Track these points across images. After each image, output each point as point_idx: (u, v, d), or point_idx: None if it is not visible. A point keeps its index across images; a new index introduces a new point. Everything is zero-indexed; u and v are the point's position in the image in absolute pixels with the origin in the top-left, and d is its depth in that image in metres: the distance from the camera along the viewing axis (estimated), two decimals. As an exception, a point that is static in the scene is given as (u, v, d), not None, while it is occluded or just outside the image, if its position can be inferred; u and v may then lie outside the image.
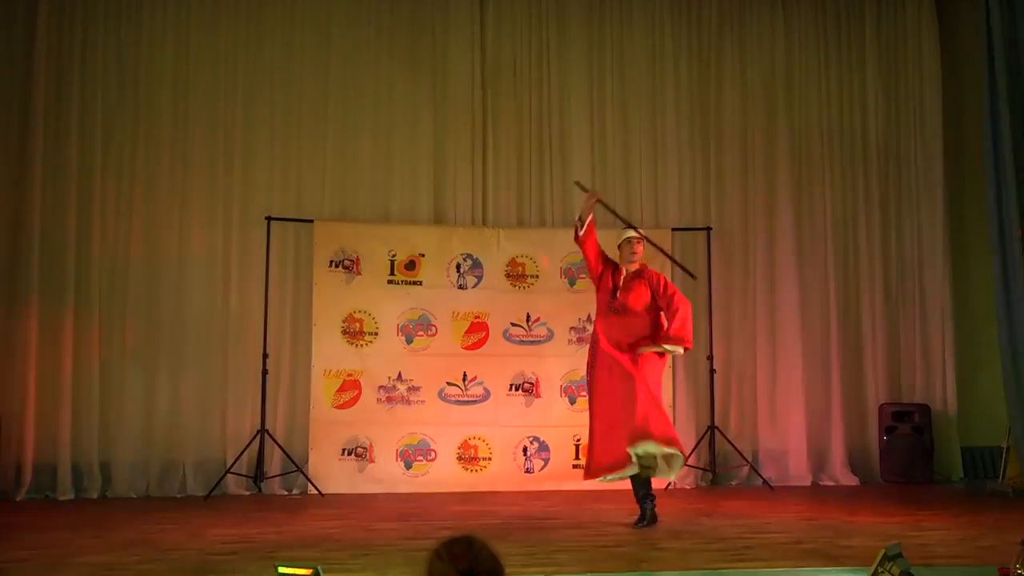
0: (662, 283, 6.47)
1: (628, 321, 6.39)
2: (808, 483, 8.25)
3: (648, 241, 6.59)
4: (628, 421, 6.09)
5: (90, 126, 7.81)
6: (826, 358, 8.53)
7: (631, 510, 6.50)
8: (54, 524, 6.41)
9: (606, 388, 6.30)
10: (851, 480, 8.30)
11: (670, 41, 8.69)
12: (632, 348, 6.29)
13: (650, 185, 8.57)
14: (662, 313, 6.39)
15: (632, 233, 6.54)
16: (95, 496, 7.44)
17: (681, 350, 6.42)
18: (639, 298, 6.42)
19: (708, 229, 8.42)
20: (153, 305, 7.81)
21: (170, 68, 8.01)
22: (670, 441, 6.08)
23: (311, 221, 7.99)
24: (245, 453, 7.66)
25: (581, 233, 6.49)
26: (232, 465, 7.62)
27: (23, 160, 7.63)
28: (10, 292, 7.55)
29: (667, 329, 6.32)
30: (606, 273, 6.58)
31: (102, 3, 7.90)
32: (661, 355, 6.36)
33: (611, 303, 6.48)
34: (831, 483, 8.28)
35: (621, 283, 6.53)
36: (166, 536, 5.81)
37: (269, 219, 7.87)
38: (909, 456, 8.22)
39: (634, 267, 6.51)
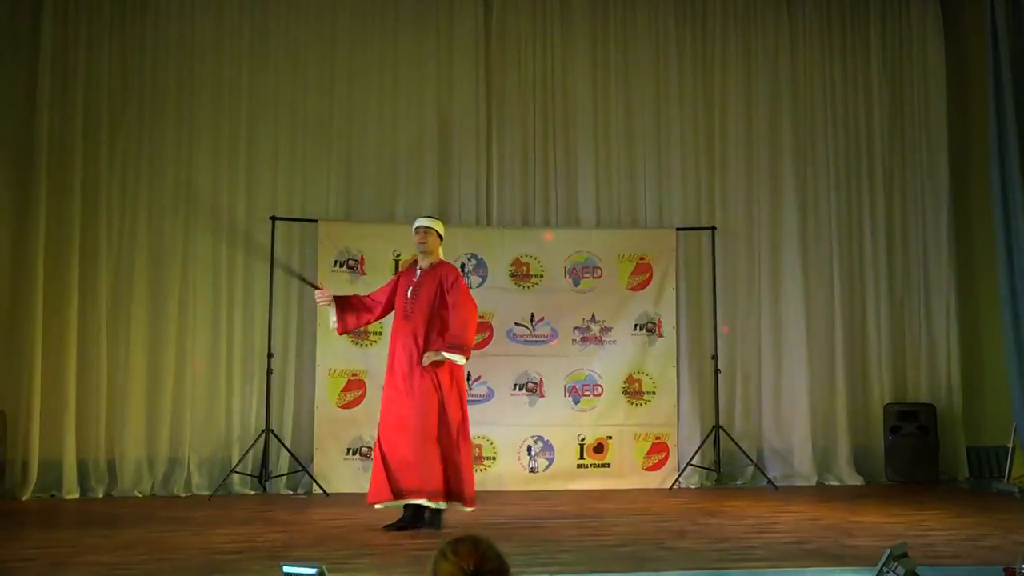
0: (451, 278, 5.97)
1: (416, 327, 5.95)
2: (813, 483, 8.23)
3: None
4: (401, 464, 5.84)
5: (95, 126, 7.82)
6: (831, 357, 8.51)
7: (636, 510, 6.51)
8: (60, 523, 6.43)
9: (389, 408, 5.99)
10: (856, 480, 8.28)
11: (674, 40, 8.67)
12: (419, 358, 5.87)
13: (654, 184, 8.56)
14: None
15: (418, 222, 6.15)
16: (100, 495, 7.45)
17: (462, 360, 5.92)
18: (426, 297, 5.95)
19: (712, 228, 8.42)
20: (159, 303, 7.82)
21: (174, 67, 8.02)
22: (423, 494, 5.80)
23: (315, 221, 7.99)
24: (250, 452, 7.68)
25: (337, 327, 6.24)
26: (237, 464, 7.63)
27: (28, 159, 7.64)
28: (15, 290, 7.57)
29: (447, 335, 5.88)
30: (401, 282, 6.15)
31: (107, 6, 7.91)
32: (443, 364, 5.88)
33: (404, 306, 6.02)
34: (836, 483, 8.26)
35: (415, 282, 6.07)
36: (171, 535, 5.81)
37: (274, 219, 7.87)
38: (914, 456, 8.20)
39: (426, 262, 6.08)
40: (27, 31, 7.76)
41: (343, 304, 6.26)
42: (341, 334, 6.53)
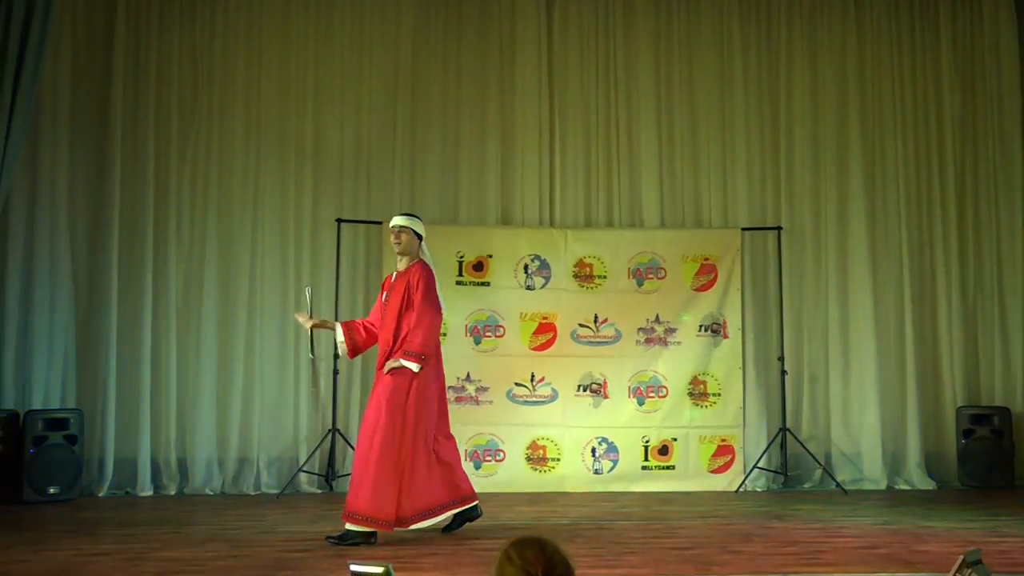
0: (415, 280, 5.65)
1: (386, 331, 5.72)
2: (883, 487, 8.06)
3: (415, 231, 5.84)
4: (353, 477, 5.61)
5: (165, 131, 8.00)
6: (901, 359, 8.34)
7: (701, 512, 6.44)
8: (134, 519, 6.60)
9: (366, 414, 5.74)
10: (928, 484, 8.10)
11: (738, 38, 8.57)
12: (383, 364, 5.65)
13: (719, 184, 8.47)
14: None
15: (392, 221, 5.89)
16: (173, 493, 7.63)
17: (416, 367, 5.55)
18: (395, 300, 5.69)
19: (778, 228, 8.31)
20: (228, 305, 7.98)
21: (242, 74, 8.17)
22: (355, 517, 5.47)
23: (380, 223, 8.08)
24: (317, 452, 7.79)
25: (348, 351, 5.94)
26: (304, 464, 7.74)
27: (102, 166, 7.85)
28: (91, 293, 7.78)
29: (408, 341, 5.58)
30: (384, 286, 5.96)
31: (177, 11, 8.09)
32: (404, 373, 5.56)
33: (381, 311, 5.83)
34: (907, 487, 8.09)
35: (391, 285, 5.83)
36: (241, 533, 5.93)
37: (339, 221, 7.97)
38: (988, 460, 7.98)
39: (403, 264, 5.81)
40: (101, 33, 7.94)
41: (349, 326, 6.02)
42: (352, 357, 6.31)
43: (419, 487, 5.55)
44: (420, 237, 5.87)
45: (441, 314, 5.83)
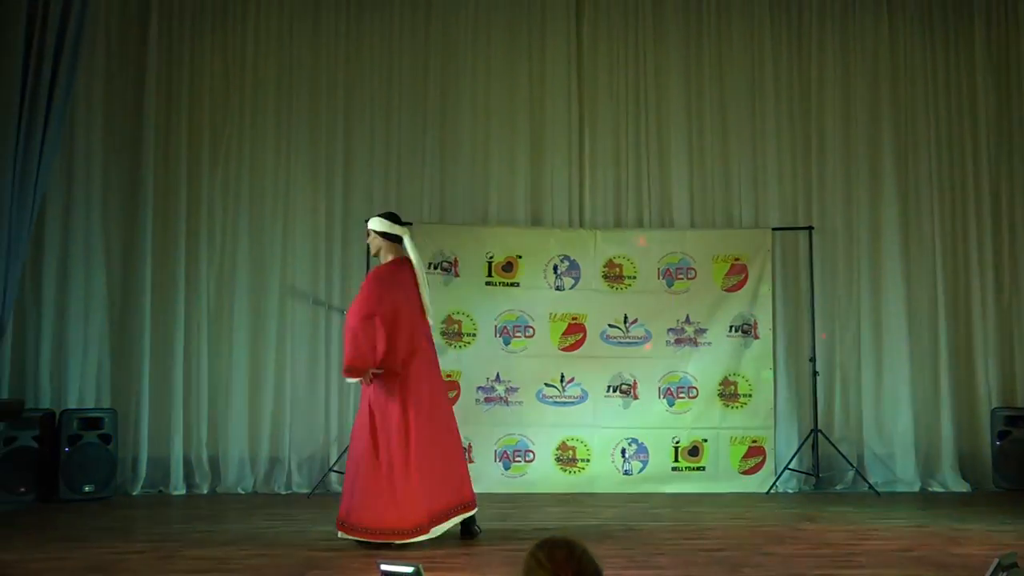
0: (364, 285, 5.60)
1: None
2: (916, 489, 7.97)
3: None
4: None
5: (197, 134, 8.07)
6: (934, 359, 8.25)
7: (732, 514, 6.39)
8: (167, 517, 6.68)
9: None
10: (962, 486, 8.00)
11: (769, 37, 8.50)
12: None
13: (750, 184, 8.41)
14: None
15: (367, 225, 5.79)
16: (205, 491, 7.69)
17: (353, 381, 5.45)
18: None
19: (810, 228, 8.25)
20: (259, 306, 8.03)
21: (274, 76, 8.21)
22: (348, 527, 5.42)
23: (410, 224, 8.07)
24: (347, 452, 7.81)
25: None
26: (335, 463, 7.77)
27: (136, 166, 7.93)
28: (125, 293, 7.87)
29: None
30: None
31: (209, 16, 8.16)
32: (383, 378, 5.43)
33: None
34: (940, 489, 7.99)
35: None
36: (273, 532, 5.97)
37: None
38: (1024, 462, 7.90)
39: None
40: (135, 39, 8.02)
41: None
42: None
43: (416, 496, 5.37)
44: (391, 236, 5.68)
45: (367, 318, 5.44)
